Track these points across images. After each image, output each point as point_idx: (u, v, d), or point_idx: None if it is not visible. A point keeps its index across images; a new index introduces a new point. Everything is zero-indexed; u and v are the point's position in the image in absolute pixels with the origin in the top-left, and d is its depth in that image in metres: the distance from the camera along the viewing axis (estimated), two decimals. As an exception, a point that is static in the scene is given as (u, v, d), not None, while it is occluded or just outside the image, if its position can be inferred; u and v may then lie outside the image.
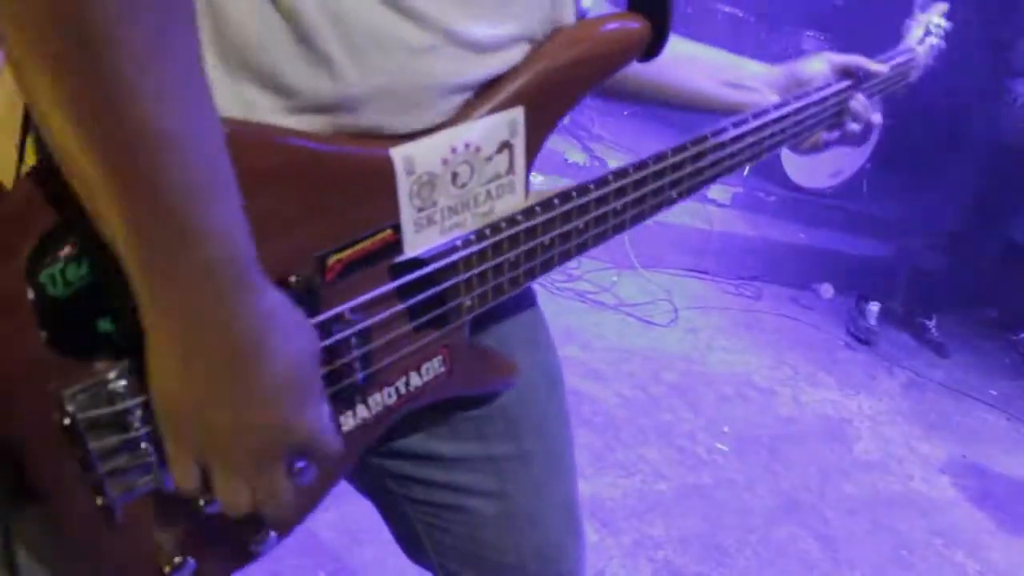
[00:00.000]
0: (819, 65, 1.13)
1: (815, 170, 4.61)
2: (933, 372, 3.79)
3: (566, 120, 4.26)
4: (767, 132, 1.00)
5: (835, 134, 1.18)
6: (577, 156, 4.01)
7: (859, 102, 1.16)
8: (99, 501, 0.58)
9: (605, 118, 4.58)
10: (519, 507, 0.90)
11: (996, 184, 4.47)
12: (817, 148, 1.18)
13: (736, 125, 0.94)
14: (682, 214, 4.08)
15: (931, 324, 3.97)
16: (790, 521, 2.49)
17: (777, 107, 1.01)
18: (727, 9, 4.92)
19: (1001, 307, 4.75)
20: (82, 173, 0.46)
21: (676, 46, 0.83)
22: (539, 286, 3.82)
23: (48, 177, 0.50)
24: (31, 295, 0.51)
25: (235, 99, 0.58)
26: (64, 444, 0.55)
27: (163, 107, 0.44)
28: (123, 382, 0.55)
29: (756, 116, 0.98)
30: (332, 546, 1.90)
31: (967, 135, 5.12)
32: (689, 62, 1.06)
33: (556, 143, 4.07)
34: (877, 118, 1.17)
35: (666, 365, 3.16)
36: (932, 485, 2.92)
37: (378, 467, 0.89)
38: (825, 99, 1.10)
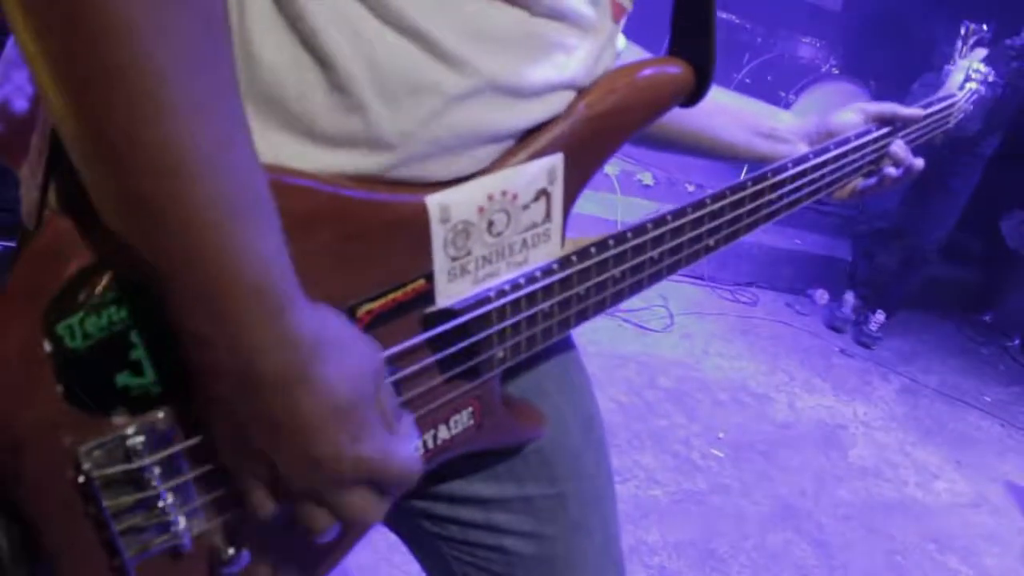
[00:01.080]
0: (852, 115, 1.11)
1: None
2: (928, 378, 3.80)
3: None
4: (807, 179, 0.99)
5: (873, 180, 1.15)
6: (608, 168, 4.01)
7: (899, 147, 1.14)
8: (113, 561, 0.56)
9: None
10: (557, 548, 0.89)
11: (990, 191, 4.49)
12: (854, 196, 1.16)
13: (775, 172, 0.93)
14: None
15: (873, 318, 3.97)
16: (785, 527, 2.50)
17: (817, 153, 1.00)
18: (723, 15, 4.94)
19: (994, 313, 4.77)
20: (114, 202, 0.45)
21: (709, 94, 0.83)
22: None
23: (69, 222, 0.48)
24: (48, 347, 0.49)
25: (266, 145, 0.56)
26: (78, 502, 0.53)
27: (195, 124, 0.43)
28: (141, 438, 0.53)
29: (796, 163, 0.96)
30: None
31: (965, 140, 5.14)
32: (721, 112, 1.04)
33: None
34: (919, 163, 1.15)
35: (661, 371, 3.16)
36: (926, 491, 2.92)
37: (410, 508, 0.87)
38: (864, 145, 1.09)
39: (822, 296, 4.26)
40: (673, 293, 3.80)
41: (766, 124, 1.08)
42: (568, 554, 0.90)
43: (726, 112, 1.05)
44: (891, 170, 1.14)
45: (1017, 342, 4.55)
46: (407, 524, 0.91)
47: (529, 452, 0.87)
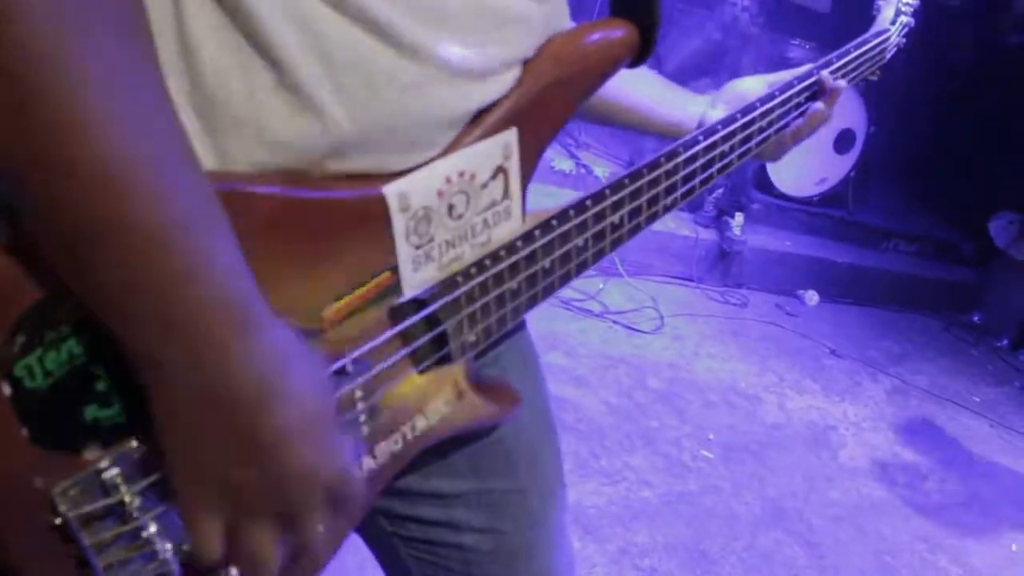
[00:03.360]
0: (756, 83, 1.07)
1: (800, 178, 4.63)
2: (917, 379, 3.81)
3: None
4: (756, 126, 0.98)
5: (802, 120, 1.08)
6: (564, 164, 4.02)
7: (824, 76, 1.08)
8: None
9: (591, 126, 4.58)
10: (515, 543, 0.89)
11: (979, 192, 4.52)
12: (798, 137, 1.10)
13: (724, 124, 0.93)
14: (668, 221, 4.09)
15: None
16: (775, 528, 2.50)
17: (763, 101, 0.99)
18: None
19: (983, 313, 4.79)
20: (57, 231, 0.43)
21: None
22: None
23: (17, 255, 0.46)
24: (7, 390, 0.47)
25: (214, 150, 0.54)
26: (58, 544, 0.51)
27: (124, 142, 0.42)
28: (116, 471, 0.51)
29: (744, 113, 0.96)
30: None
31: (950, 141, 5.17)
32: (636, 80, 1.02)
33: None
34: (842, 83, 1.09)
35: (652, 372, 3.16)
36: (916, 491, 2.93)
37: (371, 507, 0.86)
38: (794, 87, 1.05)
39: (812, 297, 4.27)
40: (663, 295, 3.80)
41: (677, 92, 1.07)
42: (527, 547, 0.90)
43: (640, 79, 1.02)
44: (818, 105, 1.07)
45: (1006, 342, 4.57)
46: (368, 525, 0.90)
47: (489, 445, 0.86)
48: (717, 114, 1.00)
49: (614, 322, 3.44)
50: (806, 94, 1.06)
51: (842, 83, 1.08)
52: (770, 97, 1.00)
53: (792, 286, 4.31)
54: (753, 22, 4.31)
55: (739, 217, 4.05)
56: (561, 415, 2.70)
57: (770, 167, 4.48)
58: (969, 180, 5.08)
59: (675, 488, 2.54)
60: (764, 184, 4.53)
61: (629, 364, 3.16)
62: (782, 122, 1.03)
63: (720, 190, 4.16)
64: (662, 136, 1.05)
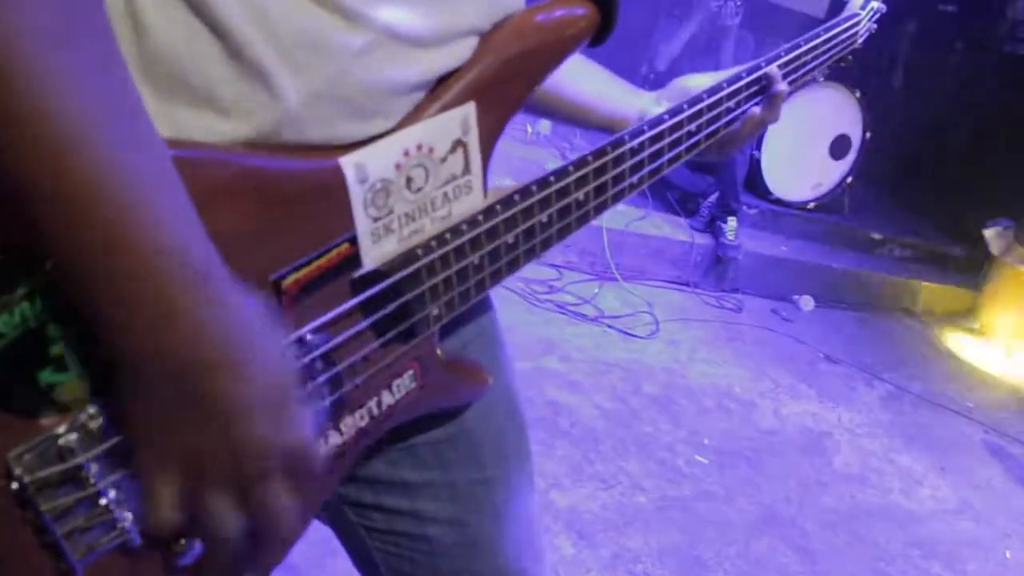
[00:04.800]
0: (705, 79, 1.04)
1: (796, 182, 4.64)
2: (911, 384, 3.81)
3: (544, 129, 4.27)
4: (723, 107, 0.97)
5: (739, 122, 1.04)
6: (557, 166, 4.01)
7: (772, 71, 1.04)
8: (60, 565, 0.53)
9: (587, 131, 4.58)
10: (480, 534, 0.88)
11: (971, 199, 4.53)
12: (735, 142, 1.06)
13: (691, 104, 0.93)
14: (663, 226, 4.10)
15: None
16: (769, 534, 2.49)
17: (730, 81, 0.97)
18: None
19: (977, 319, 4.80)
20: (3, 188, 0.43)
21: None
22: (519, 297, 3.78)
23: None
24: None
25: (166, 121, 0.54)
26: (14, 509, 0.50)
27: (74, 90, 0.41)
28: (74, 436, 0.51)
29: (710, 93, 0.95)
30: (306, 557, 1.88)
31: (945, 148, 5.19)
32: (579, 73, 1.00)
33: (537, 153, 4.08)
34: (784, 86, 1.04)
35: (646, 377, 3.16)
36: (910, 497, 2.93)
37: (336, 495, 0.86)
38: (743, 79, 1.02)
39: (807, 302, 4.27)
40: (658, 300, 3.80)
41: (621, 86, 1.06)
42: (492, 539, 0.89)
43: (583, 72, 1.01)
44: (755, 109, 1.04)
45: (1000, 349, 4.58)
46: (333, 514, 0.89)
47: (456, 435, 0.86)
48: (659, 109, 0.97)
49: (609, 327, 3.44)
50: (755, 88, 1.03)
51: (784, 86, 1.04)
52: (717, 89, 0.97)
53: (787, 291, 4.31)
54: (735, 22, 4.34)
55: (732, 222, 4.05)
56: (555, 420, 2.70)
57: (766, 171, 4.49)
58: (964, 187, 5.10)
59: (669, 493, 2.53)
60: (759, 188, 4.54)
61: (624, 369, 3.16)
62: (731, 116, 1.00)
63: (714, 195, 4.16)
64: (602, 130, 1.03)
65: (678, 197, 4.37)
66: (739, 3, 4.30)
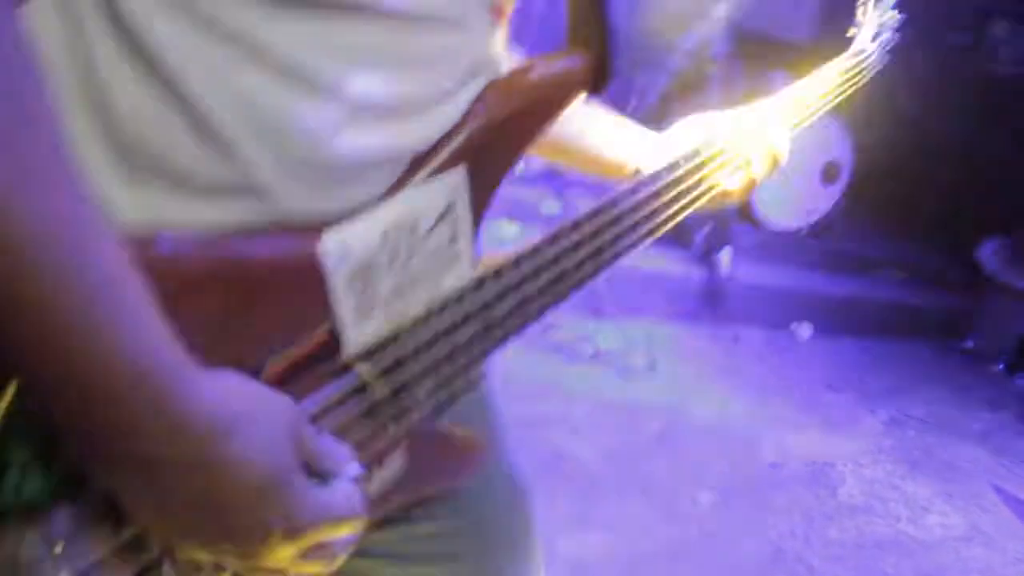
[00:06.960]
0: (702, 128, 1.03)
1: (789, 210, 4.65)
2: (914, 409, 3.79)
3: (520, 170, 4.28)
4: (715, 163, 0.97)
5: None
6: (551, 206, 4.01)
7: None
8: None
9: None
10: None
11: (966, 218, 4.53)
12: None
13: (687, 159, 0.93)
14: (657, 259, 4.10)
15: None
16: (776, 570, 2.47)
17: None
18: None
19: (976, 339, 4.78)
20: None
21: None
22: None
23: None
24: None
25: (137, 202, 0.53)
26: None
27: (15, 201, 0.39)
28: (43, 548, 0.48)
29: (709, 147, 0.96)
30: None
31: (937, 168, 5.20)
32: (585, 119, 1.00)
33: (529, 193, 4.08)
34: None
35: (646, 415, 3.14)
36: (918, 525, 2.90)
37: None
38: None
39: (805, 330, 4.26)
40: (655, 335, 3.79)
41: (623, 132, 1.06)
42: None
43: (588, 116, 1.01)
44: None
45: (1001, 367, 4.56)
46: None
47: (466, 525, 0.83)
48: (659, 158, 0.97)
49: (607, 365, 3.42)
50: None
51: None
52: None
53: (784, 320, 4.30)
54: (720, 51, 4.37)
55: (727, 252, 4.06)
56: (556, 464, 2.68)
57: (758, 200, 4.50)
58: (957, 206, 5.11)
59: (674, 535, 2.51)
60: (751, 218, 4.55)
61: (623, 408, 3.14)
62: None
63: (708, 226, 4.17)
64: (605, 176, 1.04)
65: (672, 229, 4.37)
66: (718, 38, 4.34)
